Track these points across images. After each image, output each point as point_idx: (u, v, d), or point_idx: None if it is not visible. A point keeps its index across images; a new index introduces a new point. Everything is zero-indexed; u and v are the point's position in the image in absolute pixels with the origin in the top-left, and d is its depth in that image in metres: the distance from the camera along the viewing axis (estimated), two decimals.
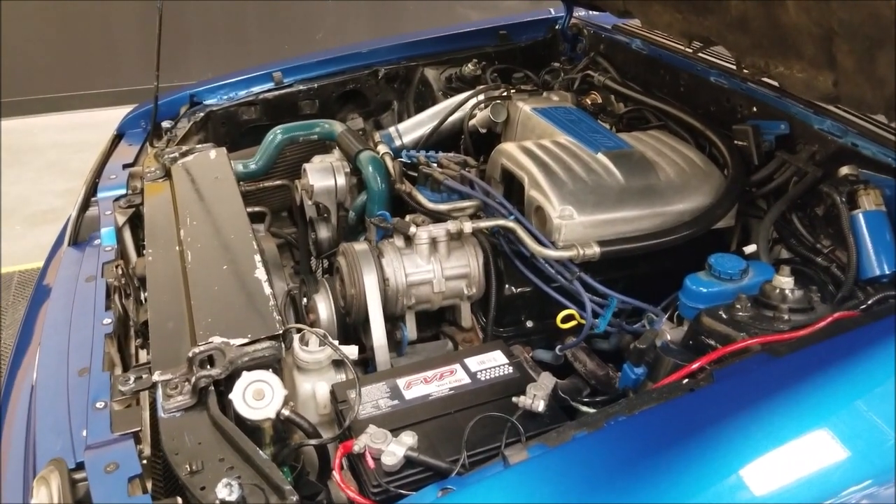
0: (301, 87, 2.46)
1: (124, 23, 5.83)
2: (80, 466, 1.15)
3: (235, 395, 1.19)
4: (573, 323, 1.63)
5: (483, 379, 1.27)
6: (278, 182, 2.22)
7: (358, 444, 1.09)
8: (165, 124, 2.29)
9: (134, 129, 2.39)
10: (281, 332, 1.29)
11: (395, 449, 1.07)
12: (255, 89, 2.45)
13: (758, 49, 1.74)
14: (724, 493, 0.93)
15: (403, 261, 1.57)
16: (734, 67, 1.96)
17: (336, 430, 1.30)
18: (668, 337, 1.50)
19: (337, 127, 2.13)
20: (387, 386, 1.25)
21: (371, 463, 1.07)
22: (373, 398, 1.23)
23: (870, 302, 1.38)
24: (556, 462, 0.97)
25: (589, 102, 2.17)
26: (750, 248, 1.72)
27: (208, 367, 1.22)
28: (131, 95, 5.89)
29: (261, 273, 1.47)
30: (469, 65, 2.52)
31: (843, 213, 1.52)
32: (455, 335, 1.67)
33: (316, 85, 2.48)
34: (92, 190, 2.03)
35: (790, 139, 1.78)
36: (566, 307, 1.61)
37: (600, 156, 1.75)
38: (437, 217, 1.67)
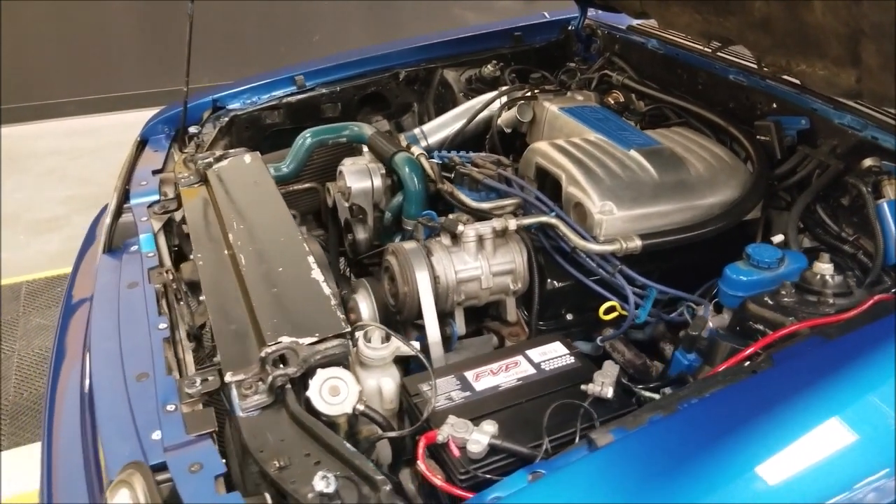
0: (323, 91, 2.51)
1: (117, 28, 5.82)
2: (158, 468, 1.19)
3: (313, 392, 1.24)
4: (614, 314, 1.70)
5: (547, 369, 1.33)
6: (307, 185, 2.26)
7: (441, 434, 1.15)
8: (192, 129, 2.32)
9: (157, 135, 2.42)
10: (348, 329, 1.34)
11: (479, 437, 1.12)
12: (278, 93, 2.49)
13: (779, 48, 1.81)
14: (796, 468, 0.99)
15: (452, 258, 1.62)
16: (753, 66, 2.04)
17: (404, 424, 1.36)
18: (711, 325, 1.58)
19: (366, 130, 2.18)
20: (456, 378, 1.31)
21: (456, 452, 1.13)
22: (444, 391, 1.28)
23: None
24: (639, 444, 1.04)
25: (612, 102, 2.23)
26: (777, 238, 1.80)
27: (281, 366, 1.27)
28: (125, 101, 5.88)
29: (317, 274, 1.52)
30: (489, 66, 2.58)
31: (869, 202, 1.60)
32: (500, 330, 1.72)
33: (338, 88, 2.53)
34: (124, 196, 2.06)
35: (811, 134, 1.86)
36: (606, 299, 1.68)
37: (633, 153, 1.82)
38: (480, 215, 1.72)
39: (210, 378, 1.36)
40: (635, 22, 2.55)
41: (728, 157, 1.89)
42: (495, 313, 1.79)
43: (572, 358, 1.36)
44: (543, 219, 1.67)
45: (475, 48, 2.72)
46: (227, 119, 2.37)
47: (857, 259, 1.65)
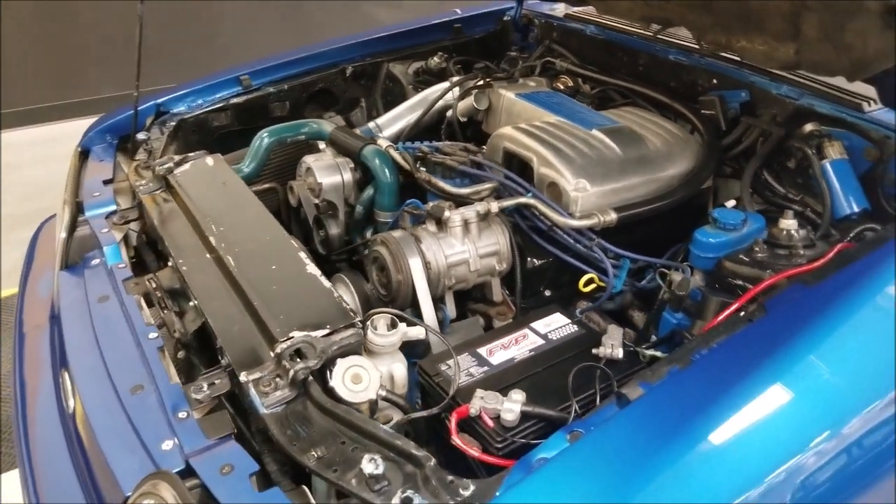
0: (271, 90, 2.47)
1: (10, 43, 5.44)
2: (183, 475, 1.17)
3: (336, 381, 1.24)
4: (593, 286, 1.78)
5: (555, 338, 1.39)
6: (266, 185, 2.23)
7: (473, 407, 1.18)
8: (140, 136, 2.24)
9: (99, 144, 2.31)
10: (357, 319, 1.35)
11: (511, 406, 1.17)
12: (224, 95, 2.44)
13: (720, 27, 1.94)
14: (811, 400, 1.10)
15: (441, 244, 1.66)
16: (693, 45, 2.18)
17: (418, 406, 1.39)
18: (685, 285, 1.69)
19: (326, 125, 2.17)
20: (471, 355, 1.34)
21: (490, 422, 1.17)
22: (462, 368, 1.32)
23: (852, 234, 1.60)
24: (665, 395, 1.11)
25: (561, 87, 2.32)
26: (730, 203, 1.94)
27: (298, 359, 1.26)
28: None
29: (312, 269, 1.52)
30: (435, 58, 2.62)
31: (815, 163, 1.75)
32: (487, 310, 1.77)
33: (286, 86, 2.50)
34: (77, 209, 1.97)
35: (751, 105, 2.01)
36: (582, 273, 1.75)
37: (595, 132, 1.91)
38: (461, 201, 1.76)
39: (217, 381, 1.34)
40: (572, 10, 2.65)
41: (679, 131, 2.01)
42: (479, 296, 1.83)
43: (575, 326, 1.43)
44: (522, 199, 1.73)
45: (418, 41, 2.75)
46: (173, 124, 2.30)
47: (806, 216, 1.80)
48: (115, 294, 1.69)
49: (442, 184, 1.80)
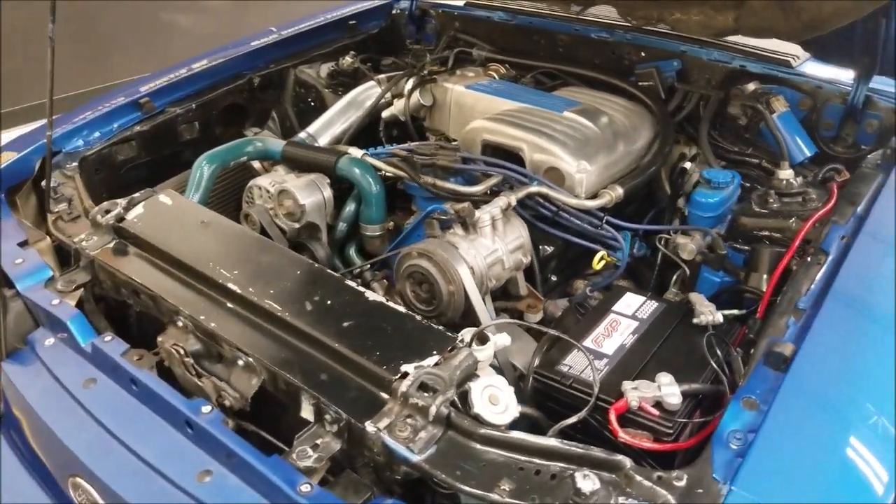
0: (178, 111, 2.17)
1: None
2: None
3: (481, 407, 1.15)
4: (603, 263, 1.82)
5: (645, 317, 1.40)
6: None
7: (633, 399, 1.15)
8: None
9: None
10: (460, 338, 1.26)
11: (671, 390, 1.16)
12: (122, 122, 2.09)
13: (651, 2, 2.06)
14: None
15: (475, 246, 1.58)
16: (612, 22, 2.28)
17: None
18: (693, 247, 1.79)
19: (272, 142, 1.97)
20: (578, 350, 1.31)
21: (653, 410, 1.15)
22: (580, 364, 1.28)
23: (821, 176, 1.80)
24: (813, 344, 1.16)
25: (496, 76, 2.31)
26: (688, 165, 2.09)
27: (426, 394, 1.15)
28: None
29: (374, 295, 1.38)
30: (347, 58, 2.47)
31: (767, 117, 1.93)
32: (516, 306, 1.73)
33: (194, 105, 2.21)
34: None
35: (685, 72, 2.17)
36: (589, 253, 1.79)
37: (567, 114, 1.93)
38: (475, 200, 1.70)
39: (320, 441, 1.18)
40: None
41: (631, 104, 2.10)
42: (497, 294, 1.78)
43: (654, 301, 1.45)
44: (533, 188, 1.70)
45: (316, 42, 2.58)
46: (75, 164, 1.93)
47: (762, 167, 1.99)
48: (107, 374, 1.40)
49: (451, 185, 1.72)
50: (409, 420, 1.14)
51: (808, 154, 1.92)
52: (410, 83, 2.20)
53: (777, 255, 1.53)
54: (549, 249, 1.80)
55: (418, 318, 1.31)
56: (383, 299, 1.36)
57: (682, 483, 1.01)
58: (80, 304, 1.58)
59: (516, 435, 1.10)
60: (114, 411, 1.35)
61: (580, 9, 2.31)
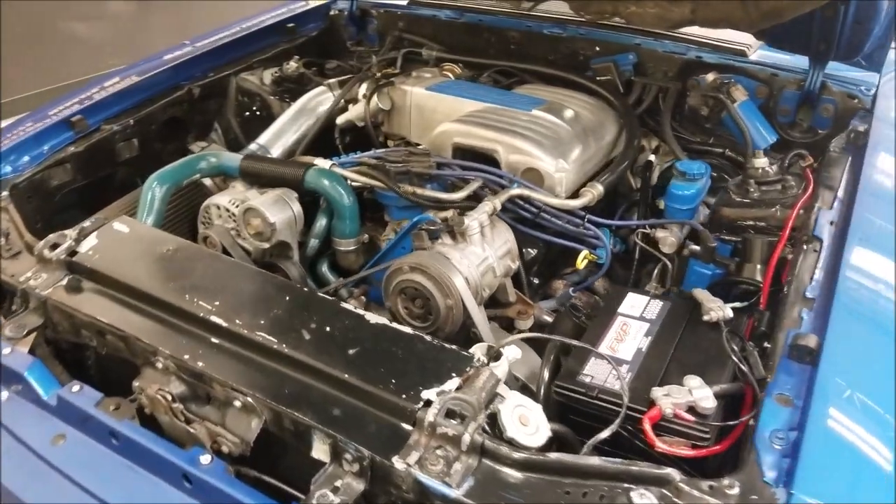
0: (114, 128, 1.99)
1: None
2: None
3: (515, 430, 1.09)
4: (586, 262, 1.80)
5: (654, 317, 1.37)
6: None
7: (666, 407, 1.12)
8: None
9: None
10: (478, 357, 1.19)
11: (704, 393, 1.13)
12: (54, 144, 1.90)
13: None
14: None
15: (466, 255, 1.51)
16: (564, 17, 2.26)
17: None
18: (673, 240, 1.79)
19: (227, 157, 1.83)
20: (597, 358, 1.26)
21: (688, 416, 1.12)
22: (601, 373, 1.23)
23: (787, 162, 1.83)
24: (836, 335, 1.16)
25: (451, 76, 2.24)
26: (651, 157, 2.09)
27: (453, 421, 1.08)
28: None
29: (375, 317, 1.29)
30: (291, 63, 2.34)
31: (729, 106, 1.95)
32: (505, 313, 1.67)
33: (132, 121, 2.03)
34: None
35: (641, 65, 2.17)
36: (568, 253, 1.76)
37: (536, 112, 1.89)
38: (458, 207, 1.63)
39: (340, 483, 1.08)
40: None
41: (592, 100, 2.08)
42: (486, 302, 1.72)
43: (658, 300, 1.42)
44: (515, 191, 1.65)
45: (255, 47, 2.43)
46: (6, 193, 1.73)
47: (727, 156, 2.02)
48: (78, 428, 1.25)
49: (433, 193, 1.64)
50: (439, 452, 1.06)
51: (771, 141, 1.95)
52: (364, 87, 2.10)
53: (769, 245, 1.54)
54: (533, 252, 1.76)
55: (428, 338, 1.23)
56: (386, 321, 1.27)
57: (735, 491, 0.98)
58: (31, 351, 1.41)
59: (556, 456, 1.04)
60: (93, 469, 1.20)
61: (531, 5, 2.27)
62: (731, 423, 1.12)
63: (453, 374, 1.15)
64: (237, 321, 1.27)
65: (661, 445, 1.10)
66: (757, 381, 1.16)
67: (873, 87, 1.90)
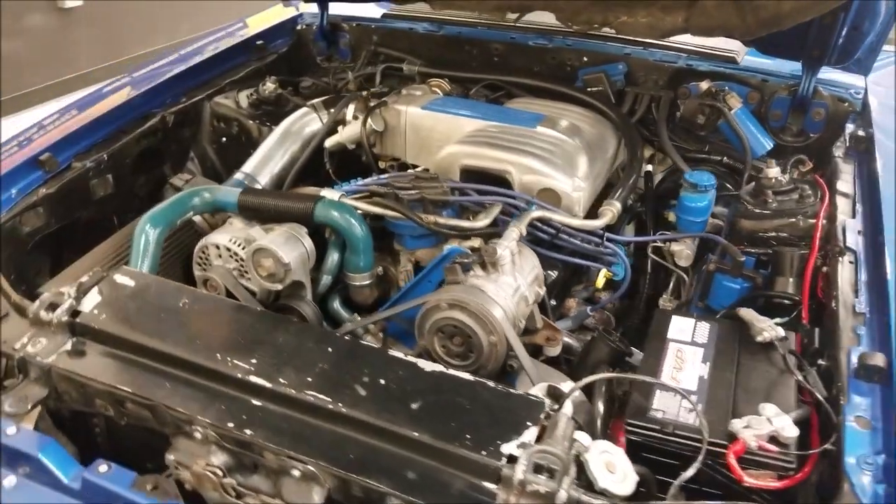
0: (88, 164, 1.83)
1: None
2: None
3: (607, 480, 1.04)
4: (603, 281, 1.78)
5: (704, 341, 1.34)
6: None
7: (749, 440, 1.09)
8: None
9: None
10: (546, 401, 1.14)
11: (784, 422, 1.11)
12: (22, 186, 1.72)
13: (596, 6, 2.02)
14: None
15: (500, 287, 1.45)
16: (549, 28, 2.23)
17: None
18: (689, 253, 1.79)
19: (221, 192, 1.70)
20: (661, 389, 1.23)
21: (772, 447, 1.09)
22: (672, 407, 1.20)
23: (789, 165, 1.86)
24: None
25: (440, 93, 2.16)
26: (647, 167, 2.08)
27: (542, 476, 1.02)
28: None
29: (428, 364, 1.21)
30: (268, 83, 2.21)
31: (727, 114, 1.96)
32: (533, 340, 1.62)
33: (105, 156, 1.87)
34: None
35: (631, 75, 2.16)
36: (583, 273, 1.74)
37: (540, 129, 1.85)
38: (486, 235, 1.57)
39: None
40: (392, 9, 2.48)
41: (588, 113, 2.05)
42: None
43: (704, 322, 1.40)
44: (537, 213, 1.60)
45: (223, 69, 2.29)
46: None
47: (725, 163, 2.03)
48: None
49: (456, 222, 1.57)
50: None
51: (769, 147, 1.97)
52: (352, 108, 2.01)
53: (801, 258, 1.54)
54: (553, 275, 1.71)
55: (490, 384, 1.17)
56: (442, 368, 1.20)
57: None
58: (35, 427, 1.27)
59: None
60: None
61: (517, 16, 2.22)
62: (815, 450, 1.10)
63: (528, 424, 1.09)
64: (281, 380, 1.17)
65: (749, 480, 1.08)
66: (828, 403, 1.15)
67: (862, 91, 1.94)
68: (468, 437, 1.07)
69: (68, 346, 1.30)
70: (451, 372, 1.20)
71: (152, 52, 5.63)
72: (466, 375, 1.19)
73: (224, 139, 2.19)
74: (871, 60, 1.86)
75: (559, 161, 1.73)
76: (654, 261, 1.87)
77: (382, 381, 1.17)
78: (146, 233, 1.59)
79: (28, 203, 1.70)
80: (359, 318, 1.67)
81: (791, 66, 2.04)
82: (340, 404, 1.13)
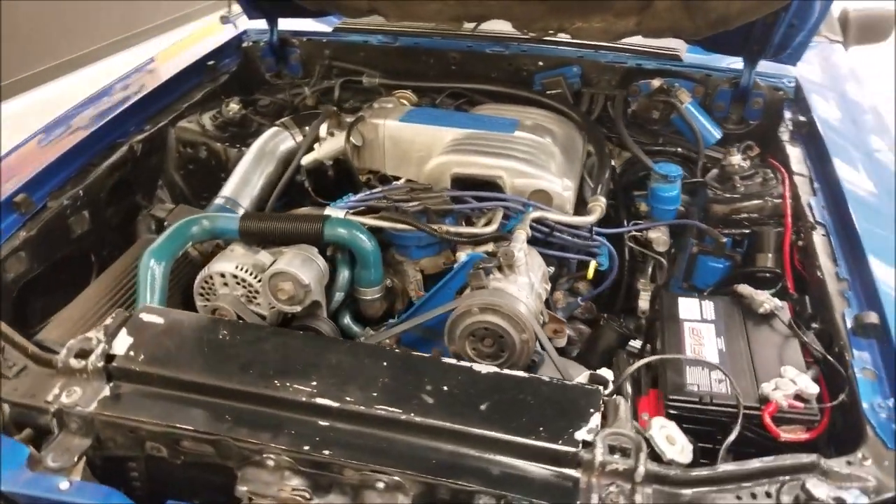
0: (65, 202, 1.74)
1: None
2: None
3: (668, 450, 1.14)
4: (593, 272, 1.89)
5: (715, 317, 1.47)
6: None
7: (780, 400, 1.23)
8: None
9: None
10: (606, 389, 1.24)
11: (806, 380, 1.25)
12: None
13: (554, 13, 2.13)
14: None
15: (519, 287, 1.53)
16: (504, 35, 2.32)
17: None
18: (665, 239, 1.93)
19: (221, 219, 1.68)
20: (691, 364, 1.34)
21: (799, 404, 1.23)
22: (703, 380, 1.31)
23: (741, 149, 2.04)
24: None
25: (407, 103, 2.20)
26: (613, 162, 2.22)
27: (617, 456, 1.11)
28: None
29: (483, 367, 1.27)
30: (232, 104, 2.18)
31: (679, 108, 2.13)
32: None
33: (81, 192, 1.79)
34: None
35: (585, 76, 2.29)
36: (578, 266, 1.85)
37: (518, 133, 1.93)
38: (492, 239, 1.64)
39: None
40: (343, 22, 2.49)
41: (551, 115, 2.16)
42: None
43: (707, 300, 1.53)
44: (535, 214, 1.69)
45: (179, 92, 2.23)
46: None
47: (679, 154, 2.19)
48: None
49: (467, 229, 1.63)
50: (612, 488, 1.09)
51: (718, 136, 2.15)
52: (325, 126, 2.03)
53: (778, 234, 1.71)
54: (551, 270, 1.80)
55: (546, 378, 1.25)
56: (496, 369, 1.27)
57: (869, 462, 1.11)
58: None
59: (725, 468, 1.11)
60: None
61: (474, 26, 2.30)
62: (834, 402, 1.25)
63: (591, 410, 1.17)
64: (347, 398, 1.20)
65: (785, 435, 1.21)
66: (837, 360, 1.30)
67: (794, 80, 2.16)
68: (541, 429, 1.14)
69: (107, 392, 1.26)
70: (506, 371, 1.27)
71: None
72: (520, 373, 1.26)
73: (191, 165, 2.14)
74: (801, 52, 2.07)
75: (545, 163, 1.82)
76: (630, 248, 2.00)
77: (445, 388, 1.22)
78: (151, 269, 1.56)
79: (11, 248, 1.61)
80: (371, 332, 1.70)
81: (728, 60, 2.23)
82: (413, 414, 1.17)
